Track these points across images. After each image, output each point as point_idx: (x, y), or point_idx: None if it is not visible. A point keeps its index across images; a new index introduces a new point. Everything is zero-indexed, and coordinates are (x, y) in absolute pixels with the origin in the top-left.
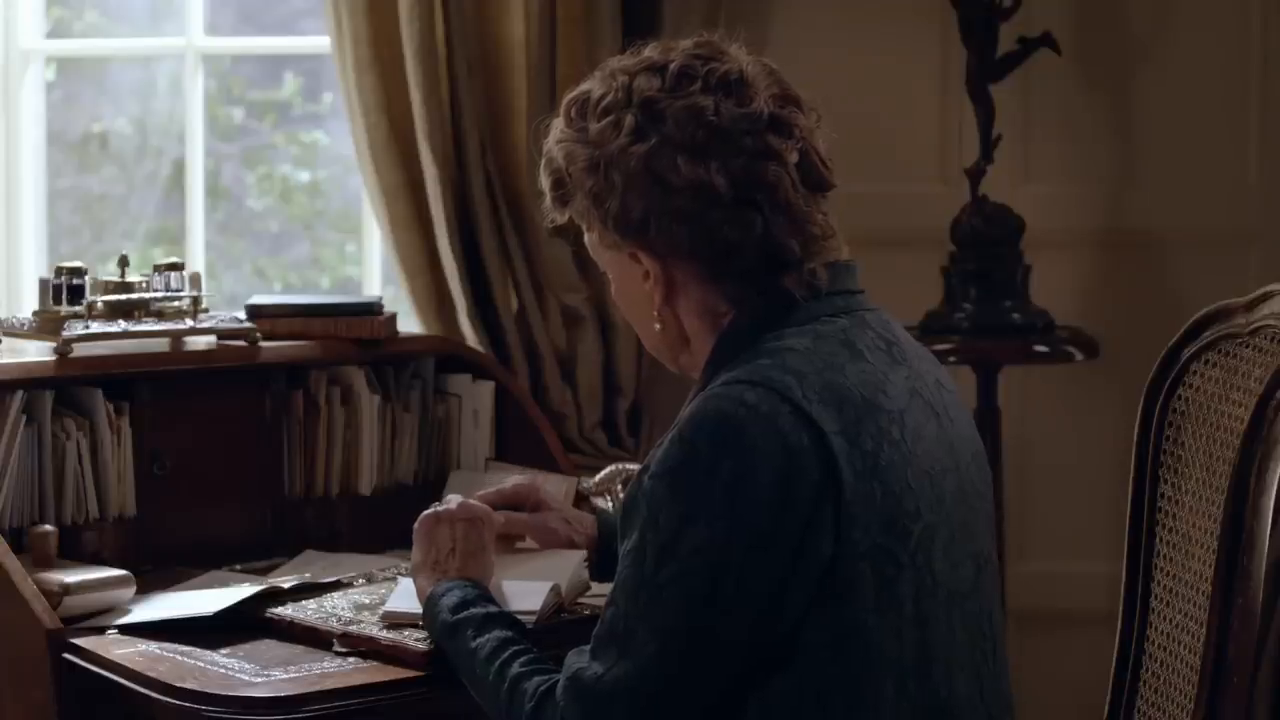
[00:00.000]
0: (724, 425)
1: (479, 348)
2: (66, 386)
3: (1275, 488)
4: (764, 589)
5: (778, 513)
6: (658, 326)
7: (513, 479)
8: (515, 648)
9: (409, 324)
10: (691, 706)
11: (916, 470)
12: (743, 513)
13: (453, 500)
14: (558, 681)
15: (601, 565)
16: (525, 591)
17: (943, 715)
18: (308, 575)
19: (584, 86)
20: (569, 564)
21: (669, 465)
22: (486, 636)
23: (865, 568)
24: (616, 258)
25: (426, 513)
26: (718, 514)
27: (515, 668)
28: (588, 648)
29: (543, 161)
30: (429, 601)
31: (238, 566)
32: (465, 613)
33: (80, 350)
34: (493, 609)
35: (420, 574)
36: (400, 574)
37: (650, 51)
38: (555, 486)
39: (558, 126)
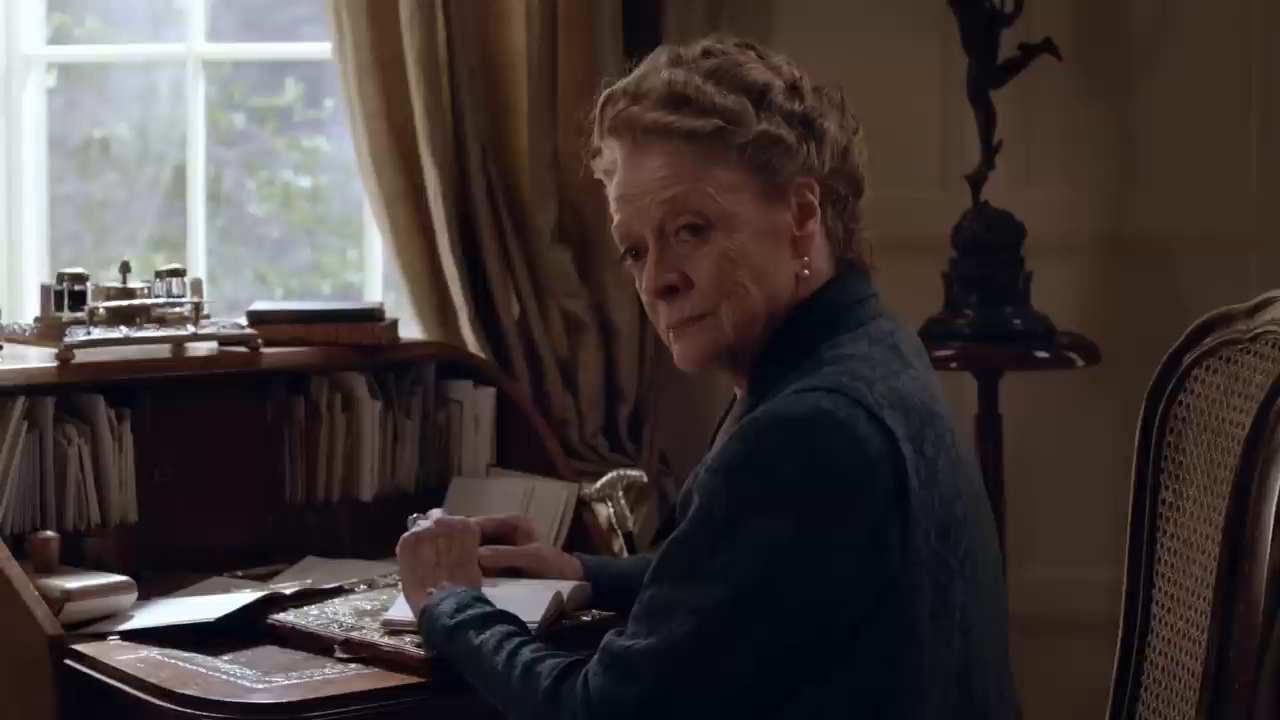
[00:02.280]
0: (793, 425)
1: (480, 354)
2: (68, 393)
3: (1276, 494)
4: (818, 590)
5: (845, 516)
6: (806, 273)
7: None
8: (520, 638)
9: (410, 330)
10: (715, 695)
11: (962, 477)
12: (805, 512)
13: (434, 514)
14: (575, 661)
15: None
16: (526, 598)
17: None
18: (309, 581)
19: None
20: (568, 582)
21: (728, 460)
22: (489, 632)
23: (924, 575)
24: (769, 200)
25: (405, 535)
26: (776, 509)
27: (526, 654)
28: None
29: (730, 82)
30: (423, 615)
31: (239, 573)
32: (464, 614)
33: (82, 356)
34: (490, 608)
35: (411, 594)
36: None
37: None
38: (556, 493)
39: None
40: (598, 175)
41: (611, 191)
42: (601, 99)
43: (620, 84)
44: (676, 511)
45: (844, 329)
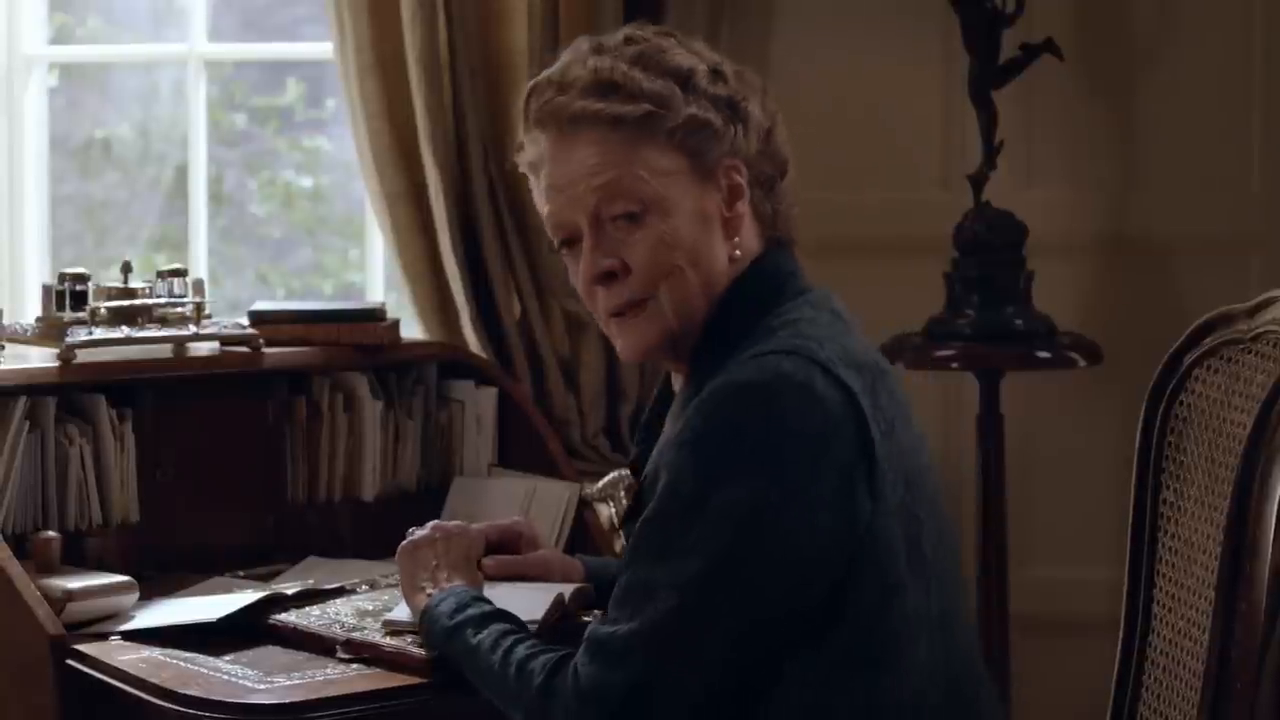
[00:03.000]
0: (754, 390)
1: (482, 354)
2: (70, 393)
3: (1278, 493)
4: (793, 552)
5: (813, 475)
6: (738, 253)
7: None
8: (516, 636)
9: (411, 330)
10: (704, 670)
11: (912, 433)
12: (773, 475)
13: (427, 526)
14: (566, 655)
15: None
16: (527, 600)
17: (962, 671)
18: (310, 581)
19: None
20: (569, 585)
21: (692, 434)
22: (486, 631)
23: (896, 525)
24: (701, 183)
25: (403, 544)
26: (744, 475)
27: (521, 651)
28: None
29: (656, 68)
30: (423, 616)
31: (240, 573)
32: (463, 614)
33: (83, 356)
34: (489, 608)
35: (411, 598)
36: None
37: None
38: (558, 493)
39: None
40: (522, 169)
41: (540, 183)
42: (526, 91)
43: (544, 75)
44: (644, 493)
45: (784, 298)
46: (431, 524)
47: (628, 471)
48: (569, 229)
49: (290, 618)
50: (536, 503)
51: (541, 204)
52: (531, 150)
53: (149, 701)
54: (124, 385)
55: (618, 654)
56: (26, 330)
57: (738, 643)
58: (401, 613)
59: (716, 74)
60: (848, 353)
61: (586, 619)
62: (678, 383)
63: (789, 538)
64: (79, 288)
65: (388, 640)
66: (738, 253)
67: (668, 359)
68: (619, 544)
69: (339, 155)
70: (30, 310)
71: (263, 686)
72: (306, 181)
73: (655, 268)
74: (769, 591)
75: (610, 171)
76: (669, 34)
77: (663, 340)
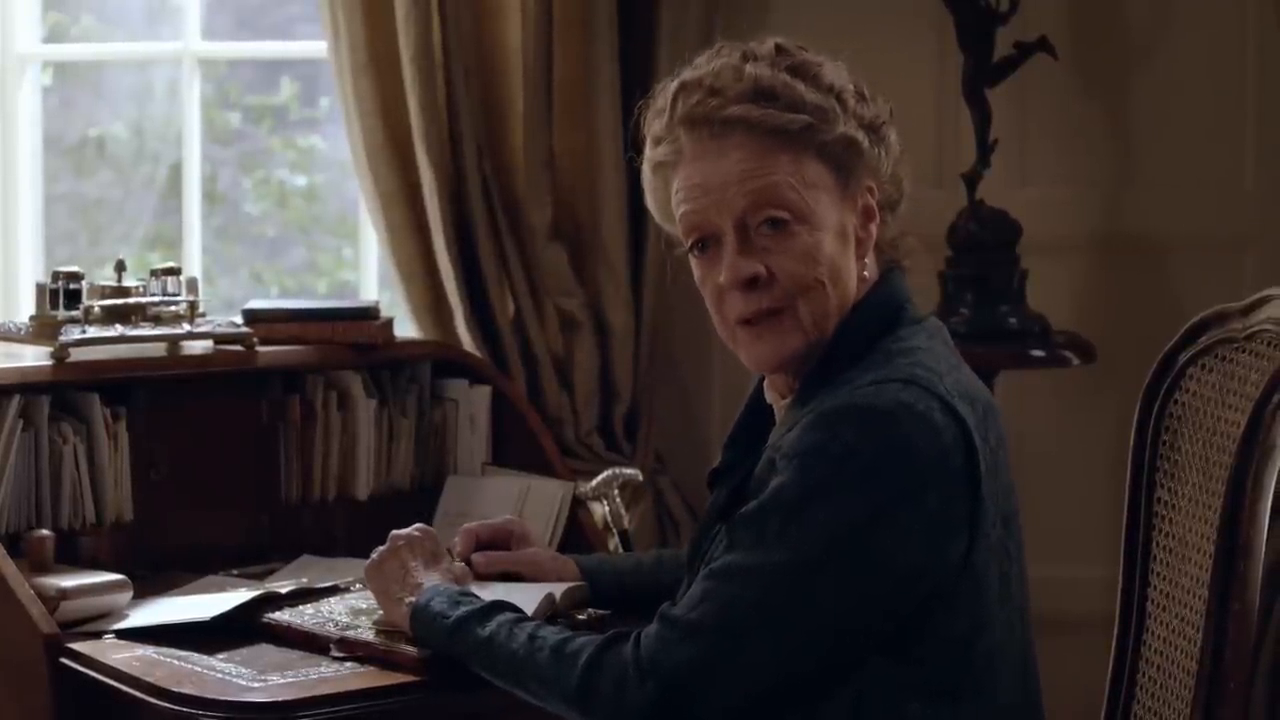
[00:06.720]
0: (874, 416)
1: (476, 352)
2: (63, 391)
3: (1271, 492)
4: (875, 576)
5: (917, 502)
6: (867, 274)
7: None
8: (534, 623)
9: (405, 329)
10: (772, 661)
11: (1009, 475)
12: (877, 499)
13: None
14: (619, 633)
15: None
16: (517, 597)
17: (1033, 713)
18: (304, 580)
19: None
20: (562, 584)
21: (806, 448)
22: (494, 622)
23: (992, 561)
24: (842, 200)
25: (367, 564)
26: (848, 494)
27: (549, 634)
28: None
29: (814, 81)
30: (414, 618)
31: (234, 571)
32: (461, 610)
33: (77, 355)
34: (484, 600)
35: (390, 608)
36: None
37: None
38: (551, 492)
39: (842, 76)
40: (647, 165)
41: (676, 182)
42: (673, 89)
43: (693, 75)
44: (737, 500)
45: (901, 324)
46: (390, 534)
47: (623, 470)
48: (707, 230)
49: (284, 616)
50: (530, 501)
51: (672, 205)
52: (667, 149)
53: (143, 700)
54: (118, 384)
55: (687, 631)
56: (20, 329)
57: (806, 645)
58: None
59: (861, 95)
60: (962, 386)
61: (581, 617)
62: (771, 396)
63: (874, 563)
64: (73, 286)
65: (381, 639)
66: (867, 274)
67: (789, 372)
68: (612, 542)
69: (333, 154)
70: (24, 309)
71: (256, 685)
72: (300, 180)
73: (798, 279)
74: (841, 606)
75: (765, 178)
76: (804, 50)
77: (796, 353)
